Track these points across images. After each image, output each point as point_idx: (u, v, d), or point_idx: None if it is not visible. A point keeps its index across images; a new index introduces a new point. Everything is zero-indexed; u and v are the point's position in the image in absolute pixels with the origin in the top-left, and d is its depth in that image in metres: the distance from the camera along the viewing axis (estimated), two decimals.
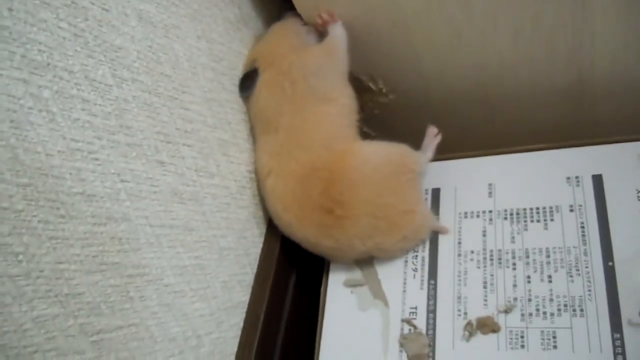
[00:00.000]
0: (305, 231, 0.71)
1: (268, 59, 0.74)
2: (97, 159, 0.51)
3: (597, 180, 0.71)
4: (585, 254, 0.67)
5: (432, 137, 0.76)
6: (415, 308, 0.70)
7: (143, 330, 0.55)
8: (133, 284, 0.54)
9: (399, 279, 0.72)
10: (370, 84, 0.87)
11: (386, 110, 0.92)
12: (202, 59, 0.68)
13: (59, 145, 0.47)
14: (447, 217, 0.75)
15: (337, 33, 0.75)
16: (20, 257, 0.43)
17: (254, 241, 0.76)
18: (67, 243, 0.47)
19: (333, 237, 0.69)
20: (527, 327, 0.64)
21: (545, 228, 0.70)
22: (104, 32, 0.53)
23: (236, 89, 0.74)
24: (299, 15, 0.78)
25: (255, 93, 0.73)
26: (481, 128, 0.89)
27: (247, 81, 0.75)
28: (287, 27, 0.78)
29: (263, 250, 0.78)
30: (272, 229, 0.78)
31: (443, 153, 0.77)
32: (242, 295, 0.72)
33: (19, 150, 0.44)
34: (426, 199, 0.77)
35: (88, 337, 0.48)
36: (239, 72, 0.75)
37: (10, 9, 0.44)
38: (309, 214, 0.69)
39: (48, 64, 0.47)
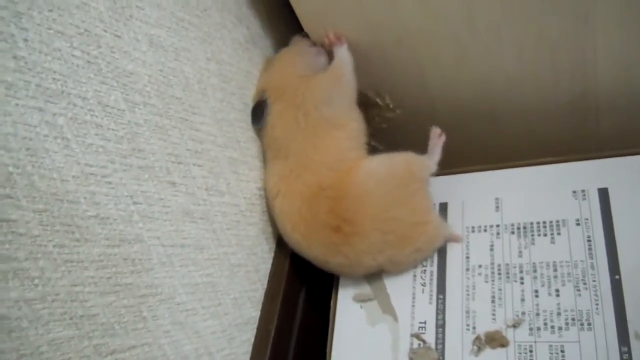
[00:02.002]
0: (314, 250, 0.72)
1: (278, 90, 0.75)
2: (110, 183, 0.52)
3: (603, 194, 0.71)
4: (592, 267, 0.67)
5: (437, 138, 0.76)
6: (425, 322, 0.70)
7: (156, 349, 0.56)
8: (146, 303, 0.55)
9: (408, 293, 0.73)
10: (377, 100, 0.88)
11: (393, 124, 0.93)
12: (212, 80, 0.69)
13: (73, 171, 0.48)
14: (455, 231, 0.76)
15: (343, 56, 0.76)
16: (37, 281, 0.44)
17: (263, 257, 0.77)
18: (82, 266, 0.48)
19: (342, 254, 0.70)
20: (535, 342, 0.65)
21: (552, 242, 0.70)
22: (117, 58, 0.54)
23: (245, 109, 0.76)
24: (307, 37, 0.79)
25: (268, 124, 0.74)
26: (487, 141, 0.90)
27: (258, 112, 0.75)
28: (295, 54, 0.79)
29: (273, 265, 0.79)
30: (281, 244, 0.79)
31: (450, 167, 0.78)
32: (252, 311, 0.73)
33: (35, 177, 0.45)
34: None
35: (102, 357, 0.49)
36: (248, 92, 0.77)
37: (25, 40, 0.46)
38: (317, 233, 0.70)
39: (62, 92, 0.48)
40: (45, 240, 0.45)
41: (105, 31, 0.53)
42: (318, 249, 0.71)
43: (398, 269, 0.74)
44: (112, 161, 0.52)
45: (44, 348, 0.44)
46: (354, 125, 0.75)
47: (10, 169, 0.43)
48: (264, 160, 0.78)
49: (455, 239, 0.74)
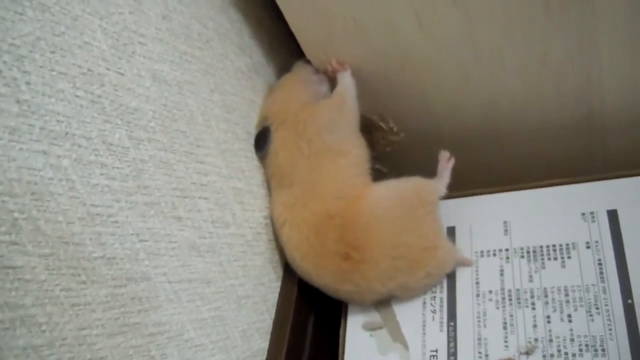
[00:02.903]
0: (324, 278, 0.71)
1: (280, 117, 0.74)
2: (116, 222, 0.52)
3: (613, 216, 0.71)
4: (604, 291, 0.66)
5: (446, 161, 0.76)
6: (436, 351, 0.69)
7: None
8: (154, 342, 0.54)
9: (418, 321, 0.72)
10: (381, 124, 0.88)
11: (397, 147, 0.92)
12: (216, 111, 0.69)
13: (79, 212, 0.48)
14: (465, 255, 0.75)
15: (346, 83, 0.76)
16: (44, 327, 0.44)
17: (271, 286, 0.76)
18: (89, 308, 0.48)
19: (353, 282, 0.69)
20: None
21: (563, 266, 0.69)
22: (120, 96, 0.54)
23: (248, 138, 0.75)
24: (309, 63, 0.79)
25: (271, 151, 0.74)
26: (494, 164, 0.89)
27: (262, 139, 0.75)
28: (296, 80, 0.79)
29: (280, 295, 0.78)
30: (288, 272, 0.78)
31: (457, 190, 0.77)
32: (261, 342, 0.72)
33: (41, 221, 0.45)
34: None
35: None
36: (251, 121, 0.76)
37: (28, 83, 0.45)
38: (326, 261, 0.70)
39: (66, 133, 0.48)
40: (52, 284, 0.45)
41: (108, 69, 0.53)
42: (328, 277, 0.71)
43: (409, 294, 0.73)
44: (117, 200, 0.52)
45: None
46: (357, 152, 0.75)
47: (16, 214, 0.43)
48: (269, 188, 0.77)
49: (465, 263, 0.73)
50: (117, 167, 0.53)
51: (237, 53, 0.75)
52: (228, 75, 0.72)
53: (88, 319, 0.48)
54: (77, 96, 0.49)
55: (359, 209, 0.70)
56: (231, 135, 0.71)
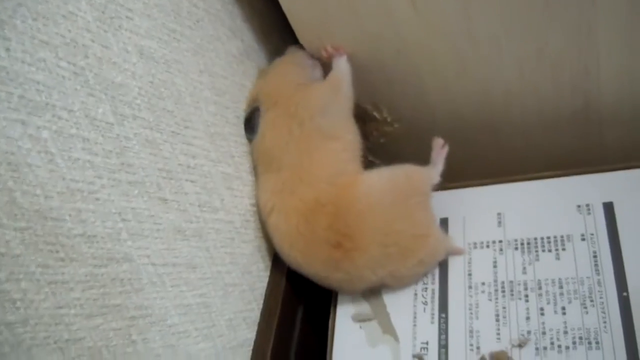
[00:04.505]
0: (313, 267, 0.69)
1: (272, 98, 0.73)
2: (97, 199, 0.50)
3: (608, 208, 0.69)
4: (599, 284, 0.65)
5: (440, 149, 0.74)
6: (427, 343, 0.68)
7: None
8: (136, 326, 0.52)
9: (409, 312, 0.71)
10: (375, 113, 0.87)
11: (392, 138, 0.91)
12: (205, 92, 0.67)
13: (58, 187, 0.46)
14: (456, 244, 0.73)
15: (342, 67, 0.74)
16: (18, 303, 0.42)
17: (259, 275, 0.75)
18: (67, 287, 0.46)
19: (343, 270, 0.68)
20: None
21: (557, 258, 0.68)
22: (105, 70, 0.52)
23: (239, 122, 0.74)
24: (302, 49, 0.77)
25: (259, 133, 0.72)
26: (488, 156, 0.88)
27: (251, 122, 0.73)
28: (290, 64, 0.77)
29: (269, 284, 0.76)
30: (277, 262, 0.76)
31: (450, 181, 0.76)
32: (247, 333, 0.70)
33: (17, 193, 0.43)
34: None
35: None
36: (241, 105, 0.75)
37: (7, 49, 0.43)
38: (316, 250, 0.68)
39: (47, 104, 0.46)
40: (27, 260, 0.43)
41: (93, 41, 0.51)
42: (318, 266, 0.69)
43: (400, 283, 0.71)
44: (99, 176, 0.50)
45: None
46: (349, 137, 0.73)
47: None
48: (255, 175, 0.75)
49: (457, 252, 0.72)
50: (100, 143, 0.51)
51: (229, 35, 0.73)
52: (218, 58, 0.71)
53: (66, 298, 0.46)
54: (59, 66, 0.47)
55: (351, 196, 0.68)
56: (220, 119, 0.70)
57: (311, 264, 0.69)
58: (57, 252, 0.45)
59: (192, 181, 0.63)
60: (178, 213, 0.60)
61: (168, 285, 0.57)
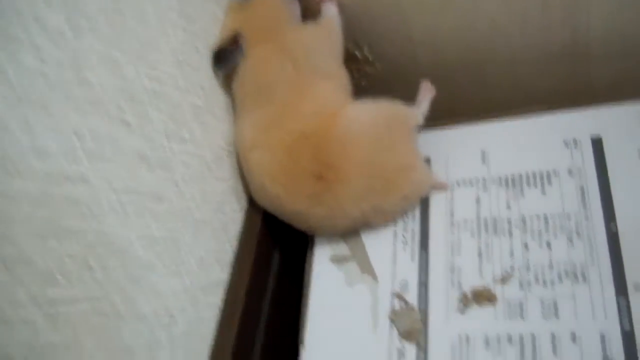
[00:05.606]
0: (294, 202, 0.66)
1: (259, 33, 0.70)
2: (48, 112, 0.46)
3: (597, 143, 0.67)
4: (586, 218, 0.62)
5: (426, 91, 0.72)
6: (406, 281, 0.65)
7: (107, 306, 0.50)
8: (94, 253, 0.49)
9: (389, 252, 0.68)
10: (356, 52, 0.83)
11: (373, 81, 0.87)
12: (172, 16, 0.63)
13: (3, 91, 0.42)
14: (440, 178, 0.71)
15: (333, 12, 0.75)
16: None
17: (233, 217, 0.71)
18: (15, 201, 0.42)
19: (325, 204, 0.65)
20: (526, 297, 0.60)
21: (543, 193, 0.65)
22: None
23: (210, 53, 0.70)
24: None
25: (242, 68, 0.70)
26: (473, 94, 0.85)
27: (228, 55, 0.70)
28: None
29: (244, 226, 0.73)
30: (253, 204, 0.73)
31: (433, 121, 0.73)
32: (220, 273, 0.67)
33: None
34: None
35: (40, 307, 0.43)
36: (213, 35, 0.71)
37: None
38: (298, 183, 0.65)
39: None
40: None
41: None
42: (299, 201, 0.66)
43: (382, 219, 0.68)
44: (51, 88, 0.46)
45: None
46: (341, 80, 0.73)
47: None
48: (235, 111, 0.72)
49: (441, 187, 0.70)
50: (52, 54, 0.47)
51: None
52: None
53: (13, 212, 0.42)
54: None
55: (335, 125, 0.66)
56: (190, 47, 0.66)
57: (292, 199, 0.66)
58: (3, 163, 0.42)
59: (158, 109, 0.59)
60: (142, 140, 0.56)
61: (131, 214, 0.54)
